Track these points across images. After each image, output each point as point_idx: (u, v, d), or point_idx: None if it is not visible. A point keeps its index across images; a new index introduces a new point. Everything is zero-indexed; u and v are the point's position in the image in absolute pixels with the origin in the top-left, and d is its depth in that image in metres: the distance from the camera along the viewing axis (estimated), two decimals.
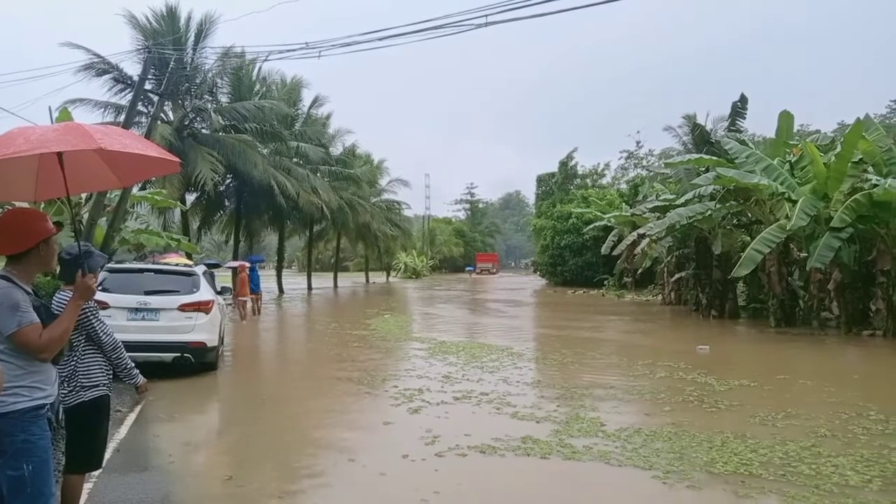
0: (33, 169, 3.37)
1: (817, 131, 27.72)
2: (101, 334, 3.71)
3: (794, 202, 15.39)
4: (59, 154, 2.95)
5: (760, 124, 50.23)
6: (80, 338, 3.70)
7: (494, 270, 77.82)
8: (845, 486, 4.93)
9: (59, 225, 3.05)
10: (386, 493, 4.87)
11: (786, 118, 18.37)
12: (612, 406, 7.69)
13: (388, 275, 59.83)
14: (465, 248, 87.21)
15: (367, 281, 51.75)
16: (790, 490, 4.84)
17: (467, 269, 79.66)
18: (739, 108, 21.64)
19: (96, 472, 4.44)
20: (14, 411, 2.70)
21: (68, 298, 3.67)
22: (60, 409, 3.49)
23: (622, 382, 9.22)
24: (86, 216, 13.33)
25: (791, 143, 18.32)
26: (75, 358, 3.68)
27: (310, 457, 5.79)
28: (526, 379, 9.36)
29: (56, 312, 3.70)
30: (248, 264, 20.84)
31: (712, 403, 7.80)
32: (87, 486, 4.33)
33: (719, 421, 6.98)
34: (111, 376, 3.83)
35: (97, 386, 3.68)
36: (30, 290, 2.86)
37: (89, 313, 3.69)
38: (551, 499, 4.82)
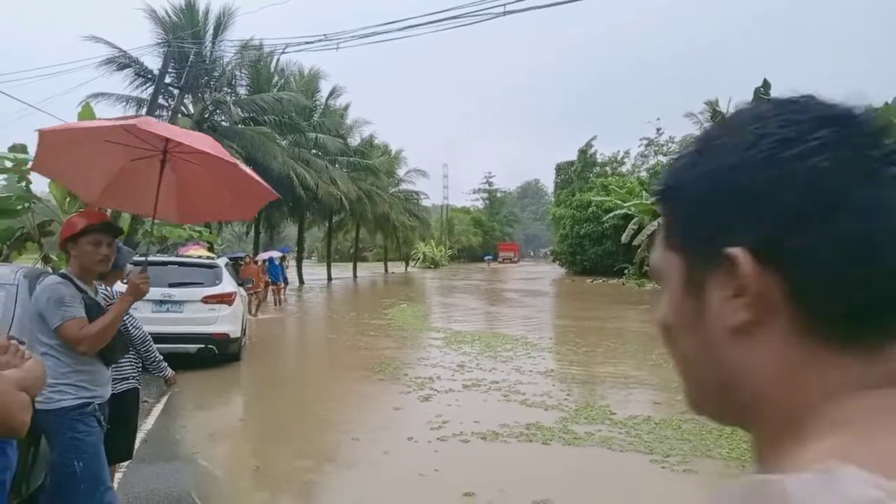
0: (154, 185, 3.37)
1: None
2: (130, 328, 3.79)
3: None
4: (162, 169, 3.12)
5: None
6: None
7: (516, 259, 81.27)
8: None
9: (112, 229, 3.10)
10: (387, 469, 5.17)
11: None
12: (623, 395, 7.72)
13: (407, 265, 60.00)
14: (484, 237, 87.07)
15: (386, 271, 51.97)
16: None
17: (486, 258, 79.86)
18: (762, 94, 21.26)
19: (126, 463, 4.54)
20: (59, 409, 2.77)
21: (108, 294, 3.75)
22: None
23: (636, 372, 9.21)
24: (110, 210, 13.56)
25: None
26: None
27: (324, 439, 6.02)
28: (539, 368, 9.39)
29: None
30: (276, 255, 20.94)
31: None
32: (116, 476, 4.44)
33: None
34: (140, 369, 3.90)
35: (126, 379, 3.76)
36: (84, 288, 2.98)
37: None
38: (542, 479, 4.94)
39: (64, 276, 2.95)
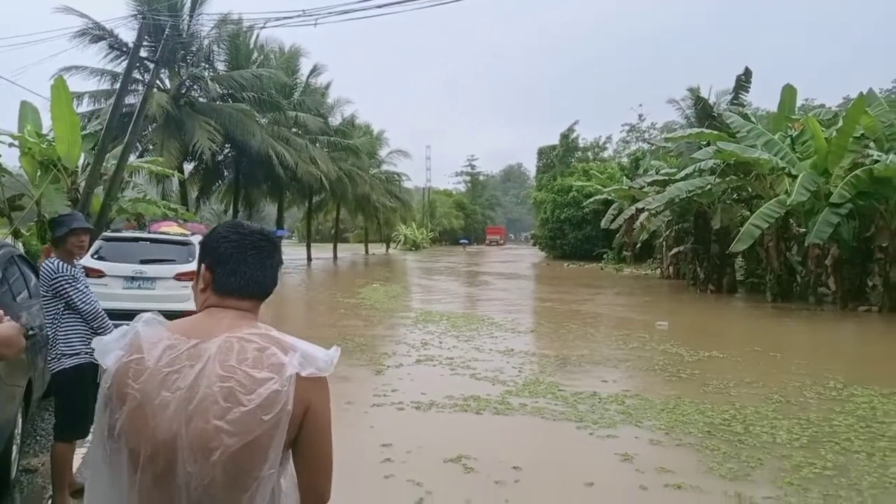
0: None
1: (821, 106, 27.37)
2: (78, 303, 3.67)
3: (794, 177, 15.31)
4: None
5: (765, 98, 49.98)
6: (59, 306, 3.68)
7: (502, 242, 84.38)
8: (771, 442, 5.12)
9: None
10: None
11: (789, 92, 18.16)
12: (577, 373, 7.88)
13: (388, 246, 59.85)
14: (466, 220, 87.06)
15: (367, 252, 51.78)
16: (710, 442, 5.07)
17: (461, 241, 79.68)
18: (743, 82, 21.35)
19: (88, 439, 4.48)
20: None
21: (53, 267, 3.66)
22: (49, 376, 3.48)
23: (593, 352, 9.34)
24: (83, 185, 13.28)
25: (793, 117, 18.15)
26: (55, 325, 3.68)
27: None
28: (499, 347, 9.51)
29: (42, 280, 3.69)
30: None
31: (674, 372, 7.95)
32: (80, 451, 4.38)
33: (677, 387, 7.17)
34: None
35: (77, 354, 3.65)
36: None
37: (64, 282, 3.65)
38: (462, 440, 5.10)
39: None
